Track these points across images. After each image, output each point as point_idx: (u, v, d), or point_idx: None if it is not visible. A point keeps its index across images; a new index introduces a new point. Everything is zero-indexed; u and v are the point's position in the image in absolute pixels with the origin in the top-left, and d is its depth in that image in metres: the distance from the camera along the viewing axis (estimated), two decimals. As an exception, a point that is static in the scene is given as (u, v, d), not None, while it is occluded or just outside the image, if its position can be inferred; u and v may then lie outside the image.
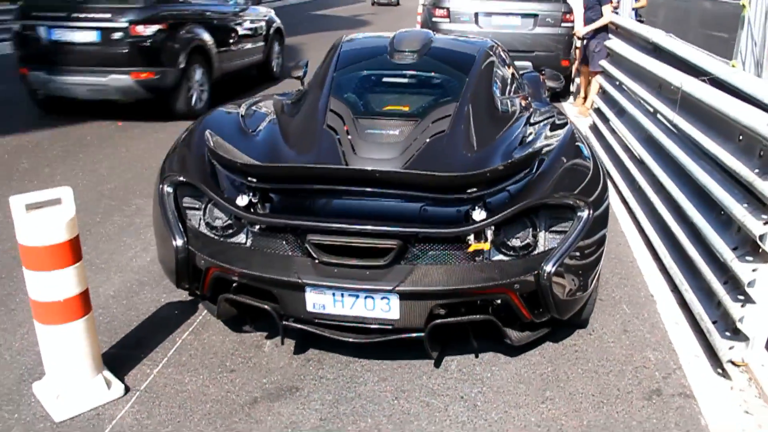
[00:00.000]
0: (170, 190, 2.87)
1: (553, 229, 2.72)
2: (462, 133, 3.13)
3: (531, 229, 2.67)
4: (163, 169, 3.04)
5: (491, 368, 2.90)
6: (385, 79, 3.75)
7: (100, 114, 7.29)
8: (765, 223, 2.67)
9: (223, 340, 3.09)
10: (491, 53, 4.03)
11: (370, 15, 23.89)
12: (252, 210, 2.67)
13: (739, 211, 2.86)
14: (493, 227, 2.59)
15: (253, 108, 3.60)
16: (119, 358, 2.90)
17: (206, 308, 3.12)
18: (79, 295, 2.52)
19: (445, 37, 4.33)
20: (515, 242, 2.66)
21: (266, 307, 2.70)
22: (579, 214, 2.68)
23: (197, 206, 2.88)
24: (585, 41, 7.62)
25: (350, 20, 21.21)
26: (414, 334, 2.65)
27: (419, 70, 3.78)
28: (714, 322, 3.05)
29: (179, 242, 2.73)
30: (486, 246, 2.61)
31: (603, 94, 6.38)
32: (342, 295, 2.58)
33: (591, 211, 2.68)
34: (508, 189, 2.66)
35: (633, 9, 7.45)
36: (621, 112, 5.47)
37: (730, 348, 2.88)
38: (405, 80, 3.74)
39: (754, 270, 2.72)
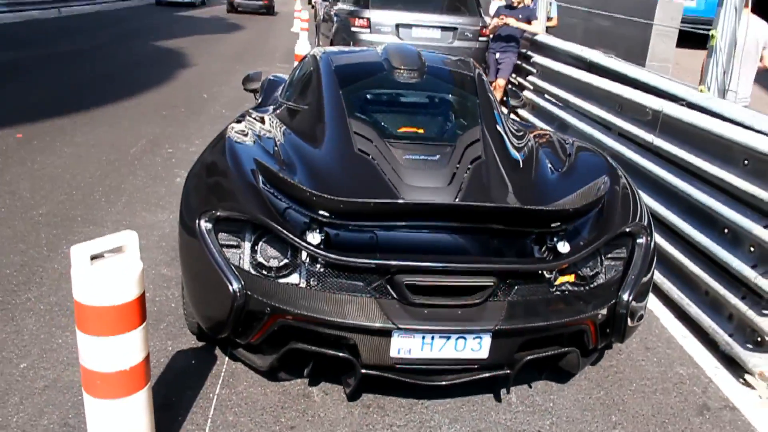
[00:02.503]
0: (209, 226, 2.52)
1: (610, 256, 2.76)
2: (495, 159, 3.07)
3: (599, 259, 2.70)
4: (189, 203, 2.68)
5: (550, 397, 2.89)
6: (398, 99, 3.61)
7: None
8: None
9: (265, 392, 2.79)
10: (480, 71, 4.03)
11: (236, 18, 23.11)
12: (324, 248, 2.42)
13: (759, 231, 3.08)
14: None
15: (259, 131, 3.28)
16: (157, 425, 2.51)
17: (243, 359, 2.77)
18: (143, 361, 2.15)
19: (430, 53, 4.25)
20: (586, 272, 2.67)
21: (345, 355, 2.46)
22: (639, 241, 2.75)
23: (236, 244, 2.56)
24: (495, 54, 7.89)
25: (221, 23, 20.36)
26: (501, 371, 2.57)
27: (429, 89, 3.69)
28: (731, 335, 3.27)
29: (236, 286, 2.40)
30: (571, 278, 2.59)
31: (533, 109, 6.65)
32: (433, 337, 2.43)
33: (649, 238, 2.76)
34: (584, 221, 2.66)
35: (546, 27, 7.88)
36: (563, 127, 5.72)
37: (755, 360, 3.09)
38: (420, 100, 3.62)
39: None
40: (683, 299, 3.66)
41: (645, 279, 2.72)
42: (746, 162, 3.29)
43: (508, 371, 2.58)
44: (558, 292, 2.59)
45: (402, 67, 3.72)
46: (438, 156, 3.02)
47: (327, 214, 2.41)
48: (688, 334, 3.55)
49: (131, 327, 2.06)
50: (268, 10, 25.17)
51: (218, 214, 2.52)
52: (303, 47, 8.96)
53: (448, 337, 2.44)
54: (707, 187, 3.59)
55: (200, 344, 3.08)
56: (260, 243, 2.52)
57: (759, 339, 3.12)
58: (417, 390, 2.80)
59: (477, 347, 2.47)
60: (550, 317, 2.50)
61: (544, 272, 2.57)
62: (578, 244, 2.57)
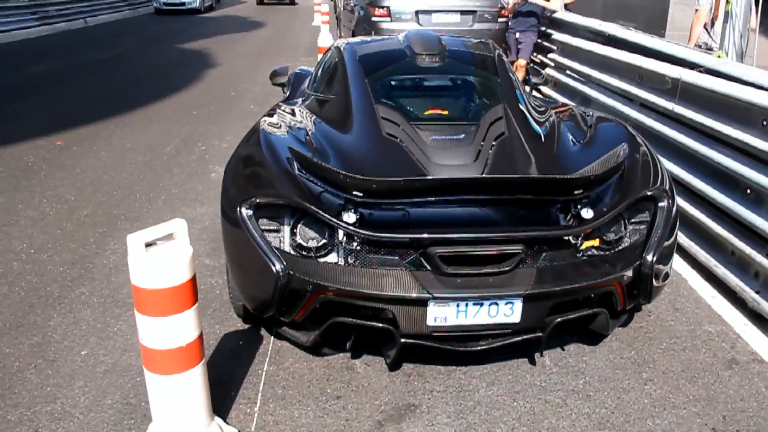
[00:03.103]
0: (250, 212, 2.69)
1: (633, 220, 2.85)
2: (519, 134, 3.18)
3: (622, 223, 2.80)
4: (228, 193, 2.86)
5: (582, 359, 3.01)
6: (422, 84, 3.74)
7: (31, 134, 6.66)
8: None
9: (310, 367, 2.96)
10: (500, 52, 4.13)
11: (257, 15, 23.33)
12: (360, 226, 2.57)
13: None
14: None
15: (290, 122, 3.44)
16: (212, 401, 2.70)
17: (288, 336, 2.94)
18: (197, 339, 2.33)
19: (450, 37, 4.36)
20: (611, 236, 2.77)
21: (385, 326, 2.62)
22: (661, 204, 2.84)
23: (276, 228, 2.73)
24: (515, 34, 7.93)
25: (242, 22, 20.60)
26: (533, 335, 2.70)
27: (452, 72, 3.81)
28: (757, 292, 3.34)
29: (278, 267, 2.57)
30: (596, 242, 2.70)
31: (555, 85, 6.70)
32: (467, 304, 2.56)
33: (671, 201, 2.85)
34: (606, 187, 2.77)
35: (564, 4, 7.89)
36: (586, 101, 5.77)
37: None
38: (443, 83, 3.75)
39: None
40: (710, 260, 3.73)
41: (668, 241, 2.81)
42: (765, 123, 3.34)
43: (540, 334, 2.70)
44: (584, 257, 2.70)
45: (424, 53, 3.85)
46: (463, 135, 3.15)
47: (360, 194, 2.56)
48: (716, 294, 3.62)
49: (185, 307, 2.24)
50: (291, 1, 27.89)
51: (258, 200, 2.69)
52: (326, 40, 9.10)
53: (481, 304, 2.57)
54: (728, 149, 3.65)
55: (246, 326, 3.27)
56: (299, 226, 2.68)
57: (786, 294, 3.19)
58: (454, 357, 2.94)
59: (509, 312, 2.60)
60: (577, 280, 2.61)
61: (570, 238, 2.68)
62: (601, 210, 2.67)
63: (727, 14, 4.10)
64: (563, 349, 3.07)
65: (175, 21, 20.35)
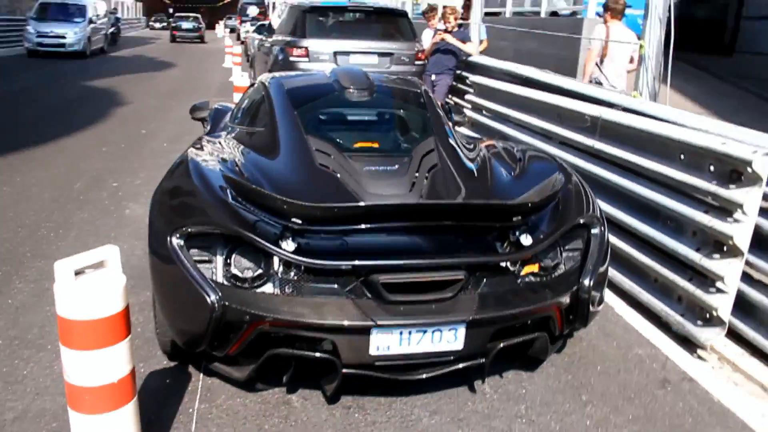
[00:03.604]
0: (181, 242, 2.54)
1: (568, 248, 2.92)
2: (451, 167, 3.20)
3: (558, 251, 2.85)
4: (156, 225, 2.72)
5: (522, 385, 3.01)
6: (351, 117, 3.73)
7: None
8: (731, 224, 3.15)
9: (245, 403, 2.79)
10: (426, 88, 4.20)
11: (167, 55, 22.85)
12: (299, 254, 2.48)
13: (700, 218, 3.32)
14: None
15: (219, 153, 3.32)
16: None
17: (221, 372, 2.76)
18: (130, 374, 2.14)
19: (376, 73, 4.40)
20: (548, 263, 2.82)
21: (326, 356, 2.51)
22: (594, 231, 2.92)
23: (208, 258, 2.59)
24: (431, 76, 8.16)
25: (151, 61, 20.10)
26: (476, 361, 2.67)
27: (381, 106, 3.83)
28: (682, 315, 3.49)
29: (213, 297, 2.43)
30: (535, 267, 2.73)
31: (472, 125, 6.90)
32: (410, 332, 2.51)
33: (603, 228, 2.95)
34: (542, 216, 2.82)
35: (480, 52, 8.24)
36: (504, 139, 5.94)
37: (705, 334, 3.31)
38: (373, 117, 3.75)
39: (726, 265, 3.18)
40: (634, 288, 3.87)
41: (602, 267, 2.89)
42: (682, 156, 3.54)
43: (483, 360, 2.68)
44: (524, 283, 2.73)
45: (352, 87, 3.84)
46: (397, 166, 3.15)
47: (300, 221, 2.48)
48: (642, 319, 3.74)
49: (118, 339, 2.07)
50: (201, 39, 31.09)
51: (189, 230, 2.55)
52: (241, 80, 9.01)
53: (425, 331, 2.53)
54: (648, 182, 3.82)
55: (172, 364, 3.05)
56: (233, 256, 2.55)
57: (708, 315, 3.34)
58: (396, 387, 2.86)
59: (452, 339, 2.57)
60: (518, 305, 2.63)
61: (510, 264, 2.71)
62: (539, 237, 2.72)
63: (641, 57, 4.40)
64: (501, 376, 3.06)
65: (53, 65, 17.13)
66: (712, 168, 3.31)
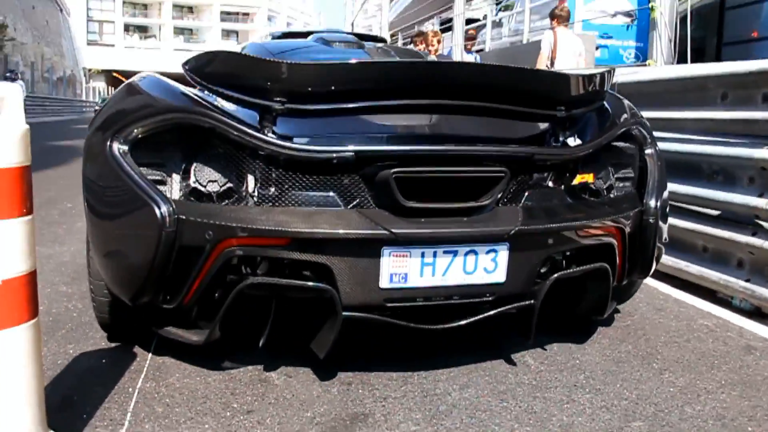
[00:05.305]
0: (125, 148, 1.85)
1: (618, 176, 2.32)
2: None
3: (610, 171, 2.24)
4: (92, 134, 2.03)
5: (572, 356, 2.31)
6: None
7: None
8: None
9: (207, 382, 2.05)
10: None
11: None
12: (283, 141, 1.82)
13: (760, 154, 2.76)
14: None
15: None
16: (54, 426, 1.71)
17: (174, 337, 2.00)
18: (26, 275, 1.43)
19: None
20: (599, 183, 2.20)
21: (321, 285, 1.81)
22: (648, 151, 2.33)
23: (160, 179, 1.90)
24: None
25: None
26: (523, 303, 1.99)
27: None
28: (747, 281, 2.85)
29: (164, 209, 1.74)
30: (590, 177, 2.11)
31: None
32: (434, 254, 1.83)
33: (657, 148, 2.36)
34: (589, 120, 2.22)
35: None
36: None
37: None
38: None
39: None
40: (679, 263, 3.24)
41: (665, 193, 2.28)
42: (725, 94, 3.03)
43: (532, 302, 2.00)
44: (577, 197, 2.10)
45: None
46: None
47: (283, 98, 1.83)
48: (694, 298, 3.08)
49: (14, 212, 1.37)
50: None
51: (135, 131, 1.88)
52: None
53: (455, 253, 1.85)
54: (683, 136, 3.28)
55: (112, 345, 2.32)
56: (193, 166, 1.89)
57: (783, 274, 2.71)
58: (409, 361, 2.17)
59: (491, 266, 1.89)
60: (573, 219, 1.98)
61: (557, 175, 2.08)
62: (587, 140, 2.12)
63: (653, 22, 3.98)
64: (545, 349, 2.36)
65: None
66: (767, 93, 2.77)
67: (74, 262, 3.45)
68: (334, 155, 1.79)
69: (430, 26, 7.61)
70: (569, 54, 6.18)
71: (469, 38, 10.09)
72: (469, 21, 11.75)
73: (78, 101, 39.72)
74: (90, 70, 52.71)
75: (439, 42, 7.71)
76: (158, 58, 47.19)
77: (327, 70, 1.94)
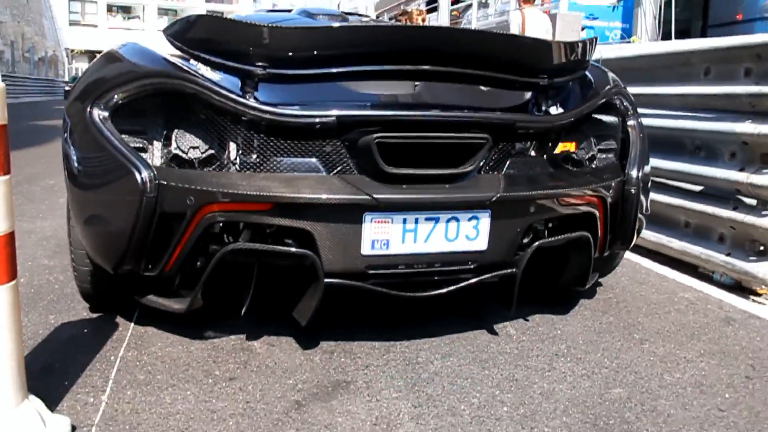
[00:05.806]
0: (105, 114, 1.82)
1: (600, 147, 2.32)
2: None
3: (592, 142, 2.24)
4: (72, 102, 2.00)
5: (554, 327, 2.32)
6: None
7: None
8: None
9: (188, 350, 2.04)
10: None
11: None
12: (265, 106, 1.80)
13: (742, 129, 2.78)
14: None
15: None
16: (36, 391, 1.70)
17: (156, 306, 1.99)
18: (4, 236, 1.42)
19: None
20: (581, 153, 2.20)
21: (302, 251, 1.80)
22: (630, 122, 2.33)
23: (141, 147, 1.88)
24: None
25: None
26: (504, 271, 2.00)
27: None
28: (728, 254, 2.88)
29: (145, 174, 1.73)
30: (572, 146, 2.11)
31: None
32: (416, 221, 1.83)
33: (639, 119, 2.36)
34: (572, 91, 2.22)
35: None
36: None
37: (764, 269, 2.70)
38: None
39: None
40: (661, 239, 3.27)
41: (647, 165, 2.29)
42: (709, 69, 3.04)
43: (513, 270, 2.01)
44: (558, 166, 2.11)
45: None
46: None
47: (264, 63, 1.81)
48: (676, 273, 3.10)
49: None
50: None
51: (116, 97, 1.85)
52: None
53: (437, 219, 1.86)
54: (665, 112, 3.30)
55: (94, 315, 2.30)
56: (174, 133, 1.86)
57: (762, 247, 2.74)
58: (392, 330, 2.18)
59: (473, 233, 1.90)
60: (554, 187, 1.99)
61: (538, 144, 2.08)
62: (570, 108, 2.12)
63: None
64: (527, 320, 2.38)
65: None
66: (749, 67, 2.78)
67: (56, 236, 3.42)
68: (317, 120, 1.78)
69: (415, 6, 7.58)
70: (539, 32, 6.35)
71: (454, 19, 10.07)
72: (455, 1, 11.70)
73: (60, 81, 39.16)
74: (72, 50, 51.85)
75: (423, 21, 7.68)
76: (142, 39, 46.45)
77: (309, 34, 1.92)
